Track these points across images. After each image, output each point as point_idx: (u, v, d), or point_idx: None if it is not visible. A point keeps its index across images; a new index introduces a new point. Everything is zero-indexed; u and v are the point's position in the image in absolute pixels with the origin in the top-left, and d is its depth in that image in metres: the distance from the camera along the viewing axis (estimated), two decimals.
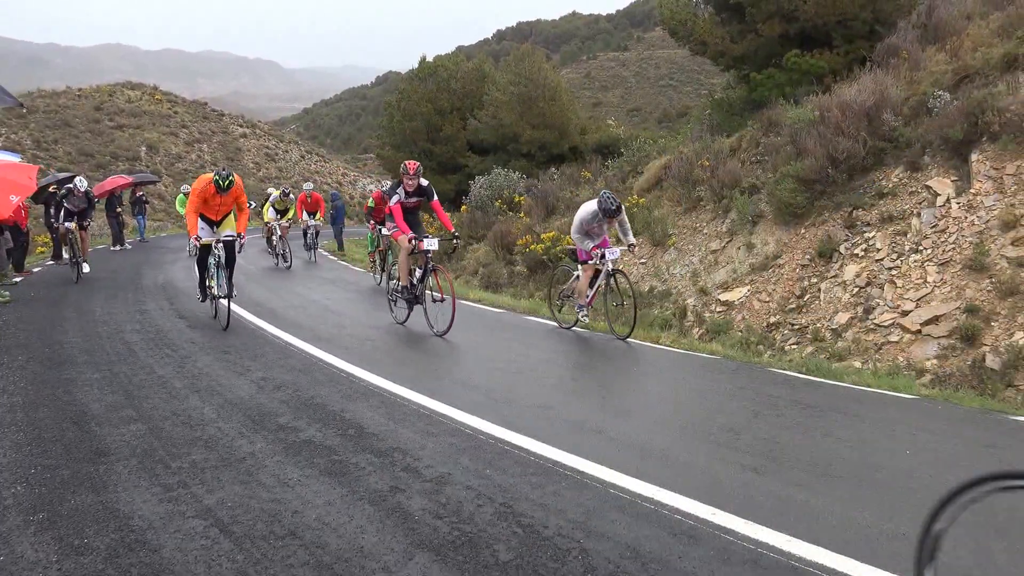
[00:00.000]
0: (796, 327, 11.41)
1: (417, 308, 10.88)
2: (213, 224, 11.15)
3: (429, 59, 41.31)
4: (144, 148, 58.32)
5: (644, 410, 6.97)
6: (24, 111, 49.50)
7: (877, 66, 15.56)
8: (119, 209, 26.90)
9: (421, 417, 6.36)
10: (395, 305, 11.37)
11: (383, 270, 15.01)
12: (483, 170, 30.24)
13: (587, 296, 10.64)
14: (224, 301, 10.67)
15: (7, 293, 13.10)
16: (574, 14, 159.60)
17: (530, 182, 26.75)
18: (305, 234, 22.39)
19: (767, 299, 12.87)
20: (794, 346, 10.99)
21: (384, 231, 13.51)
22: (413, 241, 10.34)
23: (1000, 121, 11.45)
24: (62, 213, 16.24)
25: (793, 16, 18.48)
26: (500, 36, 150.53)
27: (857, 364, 10.24)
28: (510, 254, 21.26)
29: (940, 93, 13.08)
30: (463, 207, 27.82)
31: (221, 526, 4.28)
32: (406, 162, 10.69)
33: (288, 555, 3.94)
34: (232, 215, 11.16)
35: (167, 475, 5.04)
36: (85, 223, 16.77)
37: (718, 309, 13.58)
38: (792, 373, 8.28)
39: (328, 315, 12.50)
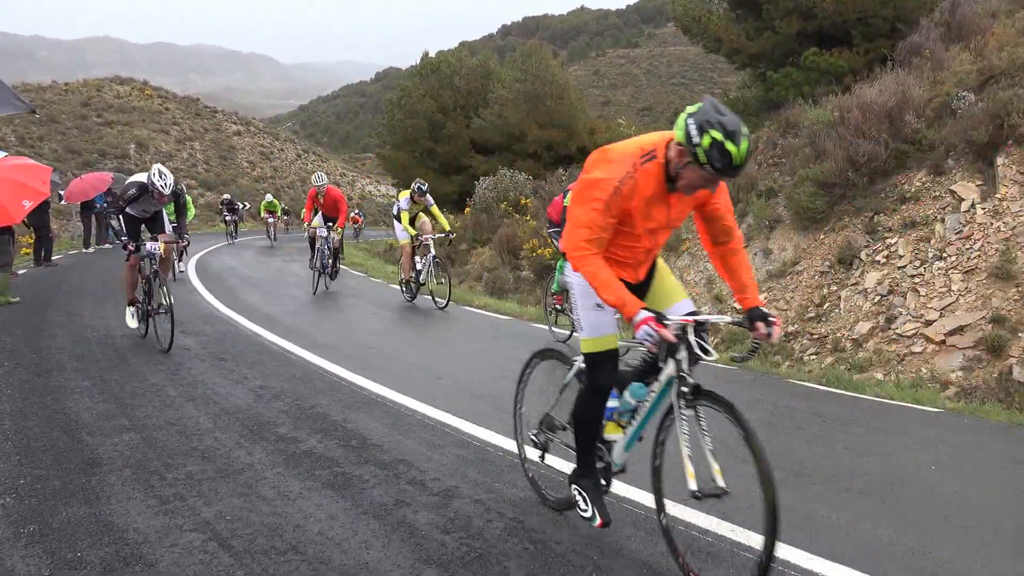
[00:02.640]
0: (815, 337, 11.16)
1: None
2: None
3: (431, 55, 41.16)
4: (133, 146, 58.15)
5: None
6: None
7: (899, 65, 15.36)
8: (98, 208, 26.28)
9: (426, 428, 6.23)
10: None
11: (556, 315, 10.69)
12: (488, 171, 30.06)
13: None
14: None
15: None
16: (582, 9, 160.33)
17: (537, 184, 26.62)
18: (312, 245, 15.53)
19: (785, 307, 12.65)
20: (813, 356, 10.78)
21: None
22: None
23: None
24: (121, 221, 9.37)
25: (812, 13, 18.32)
26: (505, 31, 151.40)
27: (879, 376, 10.03)
28: (516, 259, 21.17)
29: (964, 94, 12.84)
30: (467, 209, 27.68)
31: (220, 540, 4.15)
32: None
33: (290, 571, 3.83)
34: None
35: (162, 486, 4.89)
36: (177, 239, 10.08)
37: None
38: (811, 384, 8.14)
39: None
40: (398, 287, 15.07)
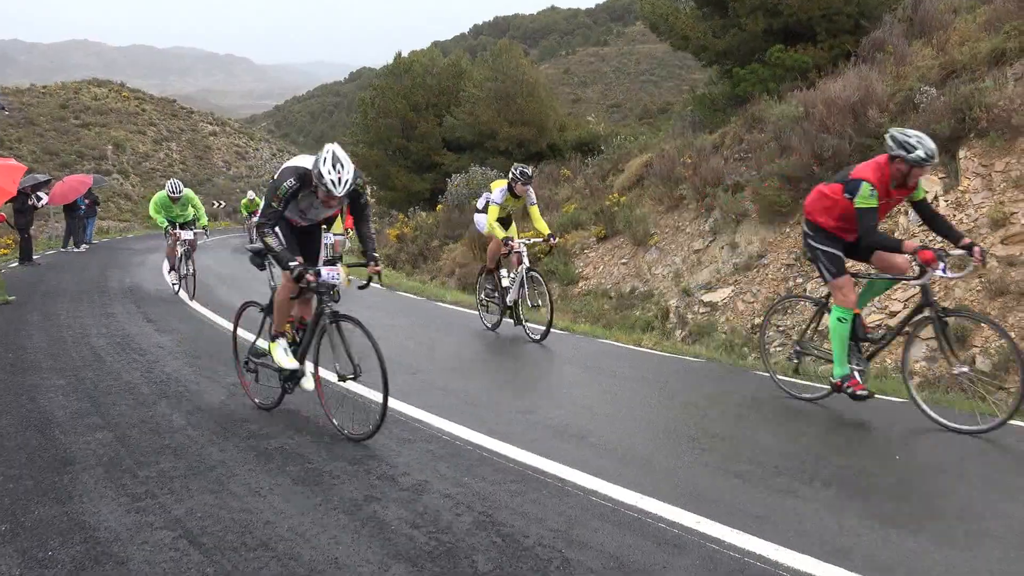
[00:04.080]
0: (781, 329, 11.23)
1: None
2: None
3: (404, 54, 41.07)
4: (111, 147, 58.08)
5: (626, 415, 6.88)
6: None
7: (862, 61, 15.52)
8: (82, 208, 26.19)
9: (396, 423, 6.23)
10: None
11: None
12: (459, 168, 30.09)
13: None
14: None
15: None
16: (553, 8, 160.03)
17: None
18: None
19: (751, 300, 12.75)
20: (779, 348, 10.85)
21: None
22: None
23: (988, 117, 11.35)
24: (280, 236, 6.21)
25: (777, 10, 18.51)
26: (477, 31, 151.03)
27: None
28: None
29: (927, 88, 12.98)
30: (439, 206, 27.65)
31: (190, 537, 4.16)
32: None
33: (260, 567, 3.84)
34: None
35: (134, 484, 4.89)
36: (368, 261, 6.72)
37: (701, 311, 13.43)
38: (778, 376, 8.16)
39: None
40: (475, 309, 11.97)
